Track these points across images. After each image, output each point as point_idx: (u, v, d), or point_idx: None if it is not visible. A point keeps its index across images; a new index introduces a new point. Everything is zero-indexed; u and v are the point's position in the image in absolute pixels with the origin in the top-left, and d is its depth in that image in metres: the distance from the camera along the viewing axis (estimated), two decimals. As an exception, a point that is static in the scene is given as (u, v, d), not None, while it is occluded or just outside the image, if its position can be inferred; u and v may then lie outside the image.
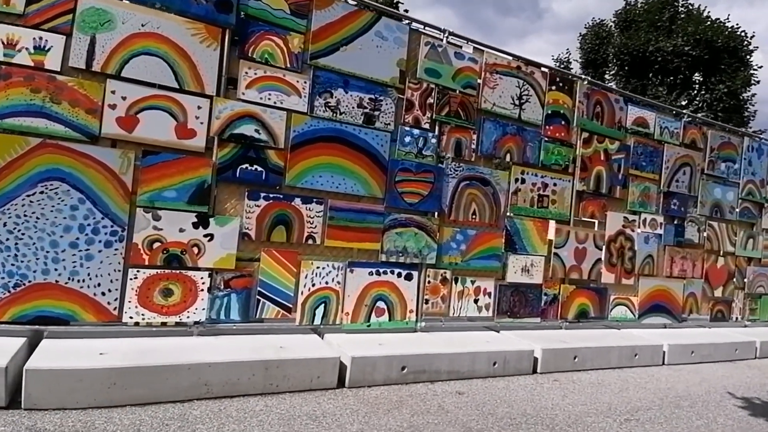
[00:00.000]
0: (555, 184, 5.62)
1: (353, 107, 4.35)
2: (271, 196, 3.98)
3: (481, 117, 5.10)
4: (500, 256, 5.24)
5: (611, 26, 17.12)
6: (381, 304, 4.54)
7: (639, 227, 6.42)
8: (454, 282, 4.98)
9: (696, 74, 14.14)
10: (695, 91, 14.52)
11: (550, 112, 5.57)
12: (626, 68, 15.07)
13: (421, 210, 4.73)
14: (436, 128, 4.82)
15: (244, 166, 3.86)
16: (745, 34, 14.33)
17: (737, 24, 14.93)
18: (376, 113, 4.47)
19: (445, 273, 4.91)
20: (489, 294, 5.19)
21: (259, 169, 3.91)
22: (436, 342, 4.47)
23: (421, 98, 4.69)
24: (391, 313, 4.59)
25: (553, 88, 5.60)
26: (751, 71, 14.45)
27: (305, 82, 4.10)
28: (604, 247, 6.09)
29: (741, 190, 7.51)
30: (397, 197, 4.59)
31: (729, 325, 7.44)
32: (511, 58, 5.29)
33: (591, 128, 5.91)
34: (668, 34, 14.29)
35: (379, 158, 4.49)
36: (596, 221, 6.06)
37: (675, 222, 6.81)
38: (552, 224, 5.63)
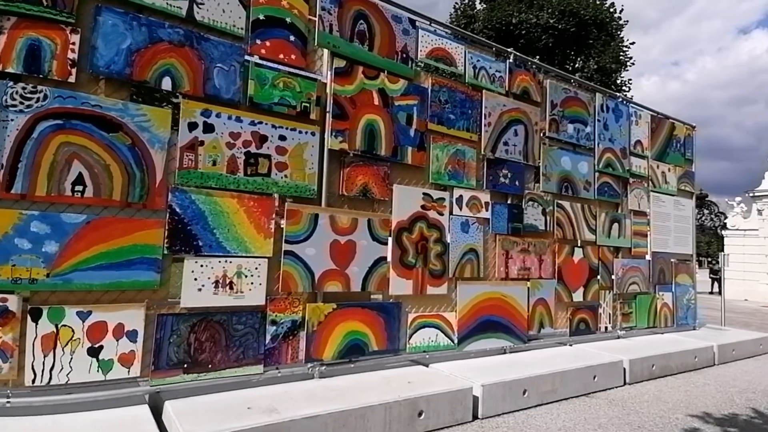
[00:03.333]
0: (283, 138, 3.40)
1: None
2: None
3: (94, 4, 2.77)
4: (157, 261, 2.86)
5: (478, 5, 16.03)
6: None
7: (452, 209, 4.39)
8: (31, 318, 2.52)
9: (570, 54, 13.22)
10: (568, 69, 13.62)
11: (263, 17, 3.37)
12: (493, 45, 13.95)
13: None
14: (-50, 7, 2.40)
15: None
16: (614, 7, 13.66)
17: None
18: None
19: (3, 301, 2.44)
20: (132, 335, 2.78)
21: None
22: None
23: None
24: None
25: (268, -21, 3.43)
26: (623, 47, 13.76)
27: None
28: (391, 240, 3.95)
29: (597, 161, 5.81)
30: None
31: (597, 338, 5.61)
32: None
33: (350, 54, 3.80)
34: (531, 7, 13.24)
35: None
36: (374, 199, 3.92)
37: (509, 201, 4.88)
38: (278, 203, 3.37)
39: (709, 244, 31.81)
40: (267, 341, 3.23)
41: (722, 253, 8.22)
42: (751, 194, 19.66)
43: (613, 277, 5.87)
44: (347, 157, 3.74)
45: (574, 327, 5.39)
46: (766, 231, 18.76)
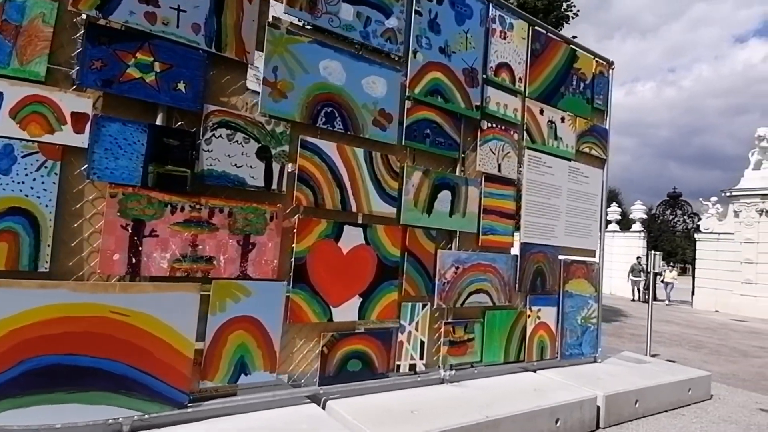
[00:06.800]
0: None
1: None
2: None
3: None
4: None
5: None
6: None
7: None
8: None
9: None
10: None
11: None
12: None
13: None
14: None
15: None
16: None
17: None
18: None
19: None
20: None
21: None
22: None
23: None
24: None
25: None
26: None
27: None
28: None
29: (410, 81, 3.37)
30: None
31: (392, 386, 3.20)
32: None
33: None
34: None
35: None
36: None
37: (159, 121, 2.43)
38: None
39: (685, 249, 29.46)
40: None
41: (650, 251, 5.90)
42: (728, 194, 17.33)
43: (435, 282, 3.45)
44: None
45: (335, 369, 2.96)
46: (742, 235, 16.48)
